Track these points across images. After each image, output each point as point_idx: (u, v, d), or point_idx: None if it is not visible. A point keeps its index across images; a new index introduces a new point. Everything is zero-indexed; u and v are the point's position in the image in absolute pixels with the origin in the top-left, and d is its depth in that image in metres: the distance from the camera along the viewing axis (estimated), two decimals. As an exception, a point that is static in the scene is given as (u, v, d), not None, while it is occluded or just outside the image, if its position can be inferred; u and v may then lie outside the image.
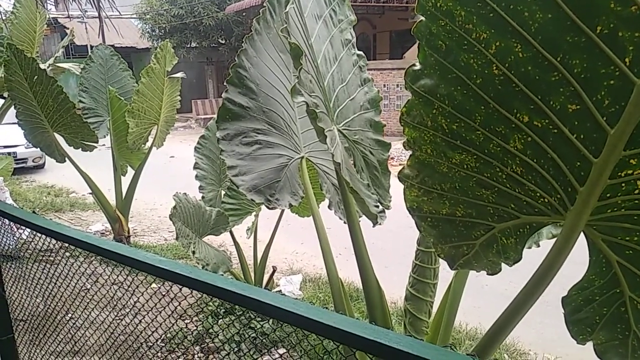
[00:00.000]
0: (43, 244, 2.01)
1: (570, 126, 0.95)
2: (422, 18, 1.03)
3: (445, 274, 1.81)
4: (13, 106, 5.02)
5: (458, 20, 0.99)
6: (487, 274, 1.28)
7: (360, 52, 2.03)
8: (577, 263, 1.33)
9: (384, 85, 13.62)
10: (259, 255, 4.01)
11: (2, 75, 5.30)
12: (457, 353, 0.84)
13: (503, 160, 1.06)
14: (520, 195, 1.09)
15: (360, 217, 1.93)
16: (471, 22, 0.97)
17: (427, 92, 1.08)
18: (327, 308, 1.09)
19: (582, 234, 1.09)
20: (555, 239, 1.16)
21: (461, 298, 1.73)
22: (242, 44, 2.27)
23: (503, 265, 1.27)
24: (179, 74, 5.21)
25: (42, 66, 4.65)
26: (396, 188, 2.07)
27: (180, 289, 1.49)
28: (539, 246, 1.74)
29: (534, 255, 1.51)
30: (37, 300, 2.38)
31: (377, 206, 1.74)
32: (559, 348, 3.43)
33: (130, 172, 5.53)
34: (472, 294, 2.17)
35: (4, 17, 6.66)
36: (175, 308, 1.89)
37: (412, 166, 1.20)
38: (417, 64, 1.08)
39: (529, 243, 1.38)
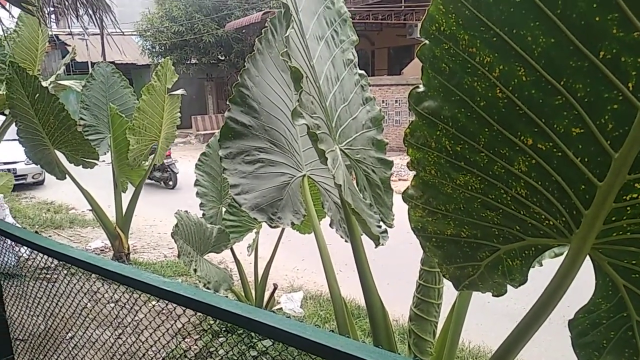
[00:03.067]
0: (41, 261, 2.00)
1: (575, 149, 0.95)
2: (426, 41, 1.04)
3: (448, 293, 1.81)
4: (14, 123, 5.04)
5: (461, 43, 1.00)
6: (493, 296, 1.27)
7: (362, 72, 2.05)
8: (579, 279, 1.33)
9: (383, 101, 13.71)
10: (260, 272, 3.99)
11: (4, 92, 5.34)
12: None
13: (507, 182, 1.07)
14: (525, 217, 1.09)
15: (361, 235, 1.93)
16: (474, 46, 0.98)
17: (430, 114, 1.09)
18: (328, 325, 1.08)
19: (587, 257, 1.09)
20: (560, 260, 1.16)
21: (465, 318, 1.72)
22: (245, 63, 2.29)
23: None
24: (180, 91, 5.24)
25: (43, 84, 4.68)
26: (398, 205, 2.08)
27: (184, 311, 1.48)
28: (541, 265, 1.74)
29: (535, 274, 1.51)
30: (37, 319, 2.36)
31: (380, 226, 1.74)
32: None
33: (131, 188, 5.53)
34: (475, 311, 2.15)
35: (6, 35, 6.71)
36: (175, 326, 1.88)
37: (417, 187, 1.21)
38: (421, 85, 1.09)
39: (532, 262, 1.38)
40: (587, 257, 1.09)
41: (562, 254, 1.56)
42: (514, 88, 0.97)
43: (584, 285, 1.31)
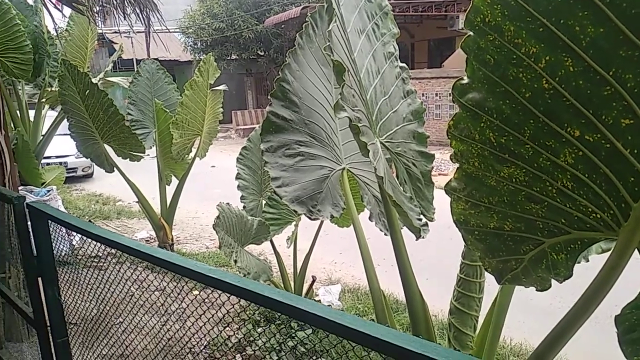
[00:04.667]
0: (93, 250, 2.11)
1: (624, 141, 0.93)
2: (471, 33, 1.04)
3: (490, 287, 1.79)
4: (65, 118, 5.30)
5: (507, 35, 0.99)
6: (536, 290, 1.25)
7: (404, 65, 2.05)
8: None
9: (423, 94, 13.52)
10: (299, 264, 4.05)
11: (57, 89, 5.62)
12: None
13: (553, 175, 1.05)
14: (571, 210, 1.07)
15: (401, 228, 1.93)
16: (520, 37, 0.98)
17: (475, 106, 1.09)
18: (366, 318, 1.10)
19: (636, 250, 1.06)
20: (606, 255, 1.13)
21: (507, 313, 1.70)
22: (284, 58, 2.33)
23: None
24: (222, 87, 5.36)
25: (93, 80, 4.88)
26: (438, 199, 2.07)
27: (228, 298, 1.53)
28: (587, 261, 1.70)
29: (582, 270, 1.47)
30: (88, 304, 2.49)
31: (420, 219, 1.74)
32: (609, 367, 3.29)
33: (175, 181, 5.70)
34: (517, 308, 2.12)
35: (58, 34, 7.05)
36: (216, 315, 1.94)
37: (459, 179, 1.20)
38: (465, 77, 1.09)
39: (578, 258, 1.35)
40: (636, 252, 1.06)
41: (609, 249, 1.52)
42: (560, 79, 0.96)
43: (633, 282, 1.28)
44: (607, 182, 0.99)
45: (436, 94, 13.57)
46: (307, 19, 2.35)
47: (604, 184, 1.00)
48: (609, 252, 1.11)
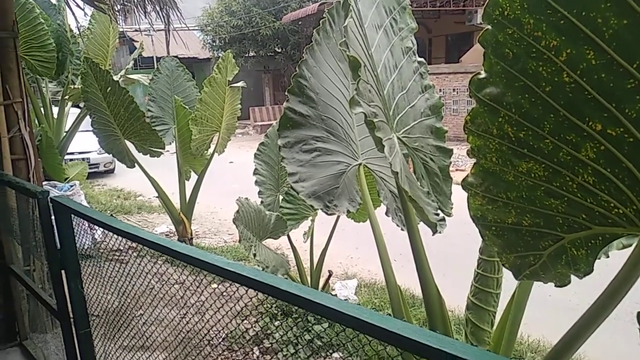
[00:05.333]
0: (114, 244, 2.15)
1: (647, 134, 0.91)
2: (489, 26, 1.03)
3: (507, 283, 1.77)
4: (88, 115, 5.40)
5: (526, 28, 0.98)
6: (555, 286, 1.24)
7: (422, 59, 2.04)
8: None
9: (440, 90, 13.38)
10: (315, 259, 4.07)
11: (79, 86, 5.73)
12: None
13: (574, 170, 1.04)
14: (592, 205, 1.05)
15: (418, 223, 1.93)
16: (540, 30, 0.96)
17: (492, 100, 1.08)
18: (383, 313, 1.10)
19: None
20: (629, 250, 1.11)
21: (525, 309, 1.68)
22: (303, 54, 2.33)
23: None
24: (240, 83, 5.39)
25: (115, 78, 4.97)
26: (455, 195, 2.06)
27: (246, 291, 1.55)
28: (608, 257, 1.67)
29: (603, 267, 1.45)
30: (109, 297, 2.54)
31: (437, 214, 1.73)
32: (630, 367, 3.23)
33: (194, 176, 5.77)
34: (535, 304, 2.09)
35: (80, 32, 7.18)
36: (234, 309, 1.96)
37: (477, 174, 1.20)
38: (482, 72, 1.08)
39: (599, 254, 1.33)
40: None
41: (630, 244, 1.49)
42: (582, 72, 0.94)
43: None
44: (630, 176, 0.97)
45: (453, 90, 13.42)
46: (324, 15, 2.35)
47: (626, 178, 0.98)
48: (631, 248, 1.10)
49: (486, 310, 1.75)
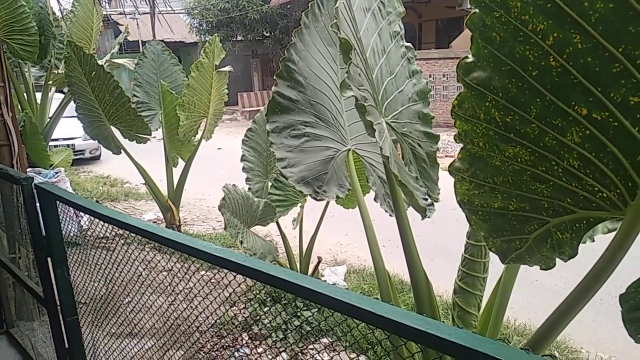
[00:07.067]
0: (100, 231, 2.13)
1: (632, 119, 0.92)
2: (476, 10, 1.02)
3: (494, 268, 1.80)
4: (72, 100, 5.30)
5: (513, 11, 0.97)
6: (541, 269, 1.26)
7: (409, 44, 2.02)
8: (634, 257, 1.29)
9: (430, 75, 13.37)
10: (305, 246, 4.08)
11: (63, 71, 5.61)
12: (510, 347, 0.84)
13: (559, 154, 1.04)
14: (577, 189, 1.06)
15: (407, 209, 1.94)
16: (527, 14, 0.96)
17: (480, 85, 1.08)
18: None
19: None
20: (612, 234, 1.13)
21: (511, 293, 1.70)
22: (291, 38, 2.31)
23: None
24: (227, 68, 5.32)
25: (99, 62, 4.87)
26: (442, 180, 2.07)
27: (235, 277, 1.55)
28: (593, 241, 1.69)
29: (585, 250, 1.47)
30: (96, 284, 2.53)
31: (426, 199, 1.74)
32: (612, 347, 3.31)
33: (181, 163, 5.72)
34: (522, 289, 2.13)
35: (63, 15, 7.02)
36: (222, 295, 1.96)
37: (463, 159, 1.20)
38: (470, 56, 1.07)
39: (583, 238, 1.35)
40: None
41: (615, 229, 1.52)
42: (568, 56, 0.94)
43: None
44: (615, 160, 0.98)
45: (443, 75, 13.42)
46: (312, -2, 2.32)
47: (611, 162, 0.99)
48: (615, 232, 1.11)
49: (473, 294, 1.77)
